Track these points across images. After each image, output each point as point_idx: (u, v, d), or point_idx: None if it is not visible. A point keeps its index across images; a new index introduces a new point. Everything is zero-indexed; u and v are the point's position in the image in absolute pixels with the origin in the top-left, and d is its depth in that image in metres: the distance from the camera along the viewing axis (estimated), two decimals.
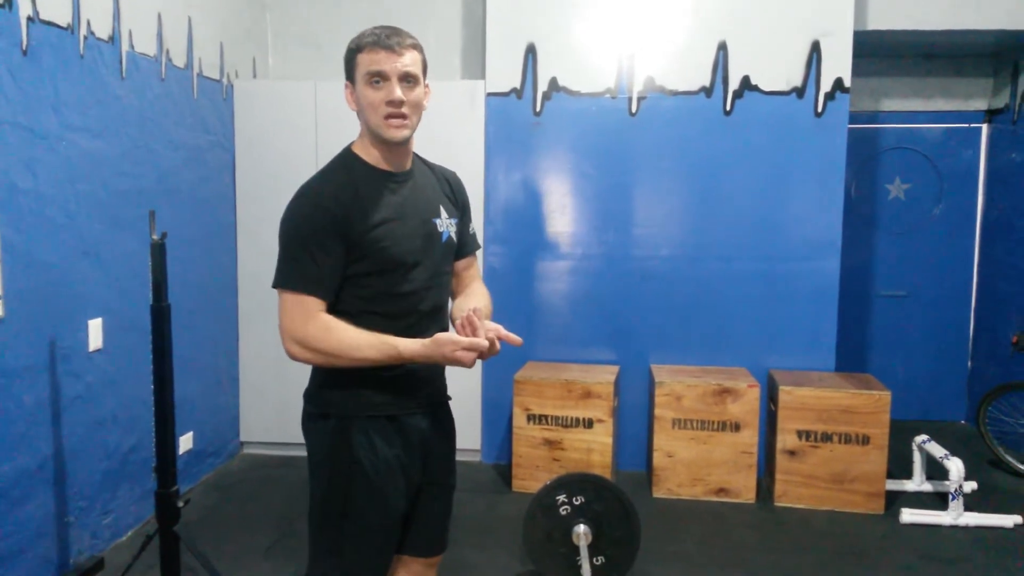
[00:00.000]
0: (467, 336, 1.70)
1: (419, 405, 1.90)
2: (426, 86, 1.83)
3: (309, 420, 1.89)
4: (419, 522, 1.98)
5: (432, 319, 1.89)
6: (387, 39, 1.73)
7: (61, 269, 3.01)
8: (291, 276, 1.74)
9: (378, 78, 1.73)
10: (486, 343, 1.69)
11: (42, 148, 2.89)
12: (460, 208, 2.01)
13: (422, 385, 1.90)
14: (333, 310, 1.78)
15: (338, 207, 1.73)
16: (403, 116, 1.75)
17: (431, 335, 1.74)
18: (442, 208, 1.92)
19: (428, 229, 1.86)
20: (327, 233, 1.72)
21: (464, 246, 2.03)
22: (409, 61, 1.74)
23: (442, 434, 2.00)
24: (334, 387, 1.83)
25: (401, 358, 1.74)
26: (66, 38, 3.01)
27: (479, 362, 1.81)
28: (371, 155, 1.82)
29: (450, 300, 2.03)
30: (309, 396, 1.90)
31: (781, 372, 4.16)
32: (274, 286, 1.76)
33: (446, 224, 1.92)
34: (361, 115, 1.80)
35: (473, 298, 2.00)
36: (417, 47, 1.78)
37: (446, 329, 1.92)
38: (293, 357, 1.78)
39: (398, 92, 1.73)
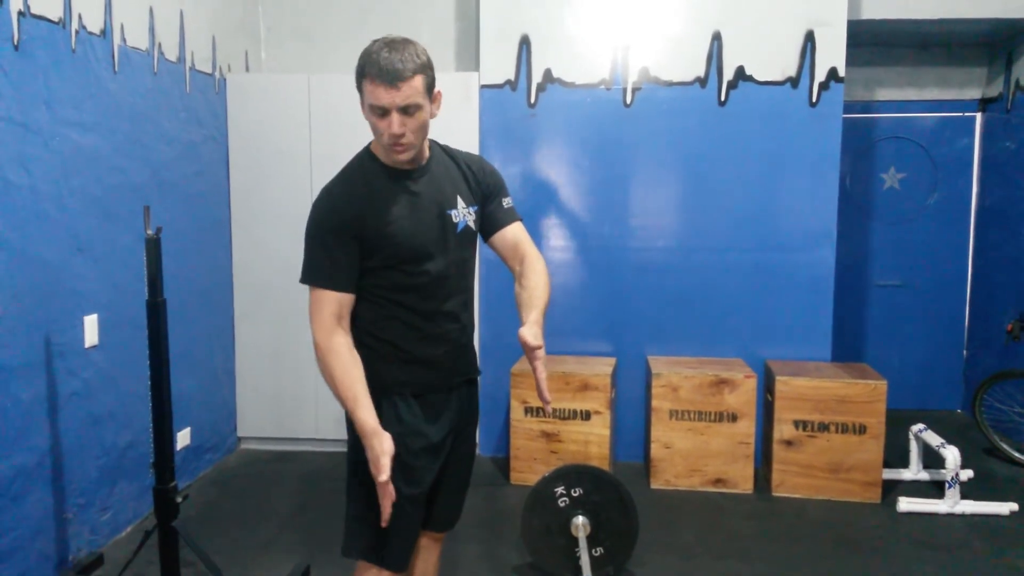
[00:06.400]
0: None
1: (444, 383, 2.01)
2: (437, 93, 1.86)
3: None
4: (439, 495, 2.09)
5: (454, 305, 1.98)
6: (388, 69, 1.72)
7: (56, 265, 2.99)
8: (309, 272, 1.88)
9: (379, 111, 1.78)
10: (392, 491, 1.78)
11: (35, 144, 2.87)
12: (485, 193, 2.06)
13: (447, 364, 2.00)
14: (359, 300, 1.90)
15: (350, 208, 1.84)
16: (403, 144, 1.81)
17: (457, 323, 1.98)
18: (459, 198, 1.98)
19: (443, 221, 1.93)
20: (340, 232, 1.84)
21: (497, 221, 2.07)
22: (409, 93, 1.75)
23: (467, 411, 2.10)
24: (364, 365, 1.90)
25: (354, 417, 1.82)
26: (58, 32, 2.99)
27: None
28: (386, 155, 1.89)
29: (515, 279, 2.03)
30: None
31: (777, 362, 4.17)
32: (301, 282, 1.90)
33: (462, 214, 1.98)
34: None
35: (529, 286, 1.96)
36: (420, 70, 1.76)
37: (469, 310, 2.04)
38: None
39: (396, 128, 1.77)
